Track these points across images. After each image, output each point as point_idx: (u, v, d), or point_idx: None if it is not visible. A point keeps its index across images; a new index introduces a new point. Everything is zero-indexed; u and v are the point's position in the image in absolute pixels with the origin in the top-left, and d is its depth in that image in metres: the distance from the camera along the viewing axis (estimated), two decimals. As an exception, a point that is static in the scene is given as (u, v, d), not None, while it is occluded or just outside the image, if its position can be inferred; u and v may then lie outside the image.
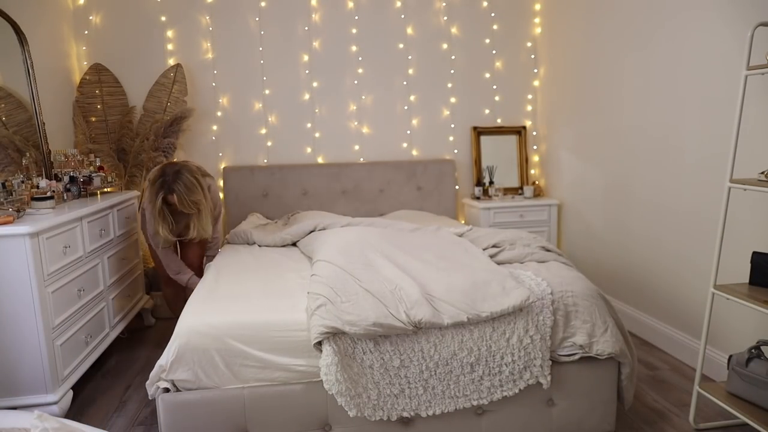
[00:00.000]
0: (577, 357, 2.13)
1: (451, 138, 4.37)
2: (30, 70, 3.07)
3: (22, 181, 2.69)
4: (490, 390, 2.02)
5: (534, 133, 4.47)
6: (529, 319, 2.06)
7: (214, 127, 4.10)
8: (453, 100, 4.33)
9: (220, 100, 4.09)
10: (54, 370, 2.35)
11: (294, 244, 3.19)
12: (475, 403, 2.01)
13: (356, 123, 4.27)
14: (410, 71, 4.28)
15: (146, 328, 3.63)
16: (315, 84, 4.18)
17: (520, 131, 4.41)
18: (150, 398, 2.04)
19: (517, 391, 2.03)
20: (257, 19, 4.07)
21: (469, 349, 2.00)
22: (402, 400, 1.96)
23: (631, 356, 2.19)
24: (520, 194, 4.34)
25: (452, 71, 4.32)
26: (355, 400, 1.89)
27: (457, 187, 4.35)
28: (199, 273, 3.11)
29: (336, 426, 2.02)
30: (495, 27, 4.33)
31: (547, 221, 4.12)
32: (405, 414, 1.97)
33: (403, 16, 4.22)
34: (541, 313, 2.08)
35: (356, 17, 4.17)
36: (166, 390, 1.97)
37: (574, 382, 2.14)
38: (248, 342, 1.97)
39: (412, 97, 4.30)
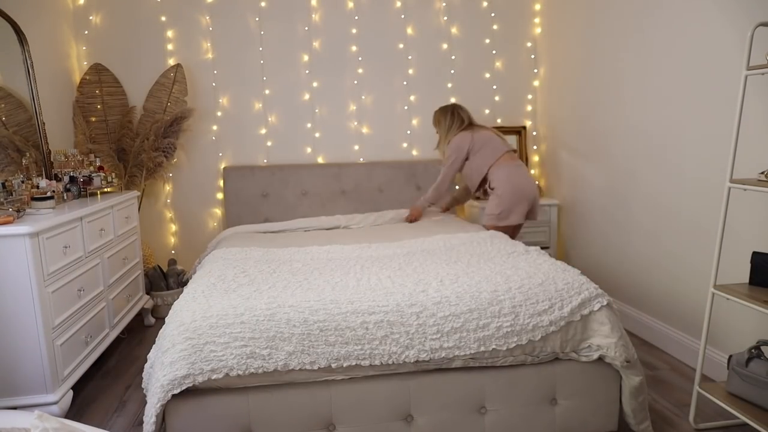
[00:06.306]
0: (594, 357, 2.11)
1: (451, 138, 4.37)
2: (30, 70, 3.07)
3: (22, 181, 2.69)
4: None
5: (534, 133, 4.47)
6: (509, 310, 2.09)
7: (214, 127, 4.11)
8: (453, 100, 4.32)
9: (220, 100, 4.10)
10: (54, 370, 2.35)
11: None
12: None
13: (356, 123, 4.27)
14: (410, 71, 4.28)
15: (146, 328, 3.63)
16: (315, 84, 4.18)
17: (520, 131, 4.41)
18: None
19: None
20: (257, 19, 4.07)
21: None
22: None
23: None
24: (520, 194, 4.34)
25: (452, 71, 4.32)
26: None
27: (457, 187, 4.35)
28: None
29: (340, 426, 2.02)
30: (495, 27, 4.33)
31: (547, 221, 4.11)
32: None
33: (403, 16, 4.22)
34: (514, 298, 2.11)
35: (356, 17, 4.17)
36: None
37: (578, 381, 2.14)
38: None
39: (412, 97, 4.30)
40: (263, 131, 4.17)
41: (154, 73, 3.93)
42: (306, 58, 4.16)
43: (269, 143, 4.18)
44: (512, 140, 4.40)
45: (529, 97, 4.45)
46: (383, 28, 4.21)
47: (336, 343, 1.95)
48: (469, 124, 3.61)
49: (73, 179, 3.09)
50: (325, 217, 3.91)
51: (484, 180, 3.53)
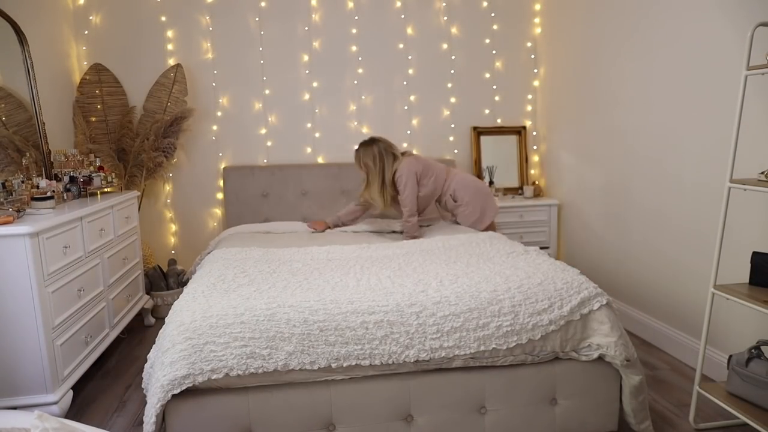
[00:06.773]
0: (594, 356, 2.11)
1: (451, 138, 4.38)
2: (30, 70, 3.07)
3: (22, 181, 2.69)
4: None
5: (534, 133, 4.47)
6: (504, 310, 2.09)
7: (214, 127, 4.11)
8: (453, 100, 4.33)
9: (220, 100, 4.10)
10: (54, 370, 2.35)
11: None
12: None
13: (356, 123, 4.27)
14: (410, 71, 4.28)
15: (146, 328, 3.63)
16: (315, 84, 4.18)
17: (520, 131, 4.41)
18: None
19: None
20: (257, 19, 4.07)
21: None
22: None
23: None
24: (520, 194, 4.35)
25: (452, 71, 4.32)
26: None
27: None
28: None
29: (340, 426, 2.02)
30: (495, 27, 4.33)
31: (547, 221, 4.12)
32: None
33: (403, 16, 4.22)
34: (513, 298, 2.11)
35: (356, 17, 4.17)
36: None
37: (578, 381, 2.14)
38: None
39: (412, 97, 4.30)
40: (263, 131, 4.17)
41: (154, 73, 3.93)
42: (306, 58, 4.16)
43: (269, 143, 4.18)
44: (512, 140, 4.40)
45: (529, 97, 4.45)
46: (383, 28, 4.21)
47: (336, 343, 1.95)
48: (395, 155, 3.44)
49: (73, 179, 3.09)
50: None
51: (438, 199, 3.56)
